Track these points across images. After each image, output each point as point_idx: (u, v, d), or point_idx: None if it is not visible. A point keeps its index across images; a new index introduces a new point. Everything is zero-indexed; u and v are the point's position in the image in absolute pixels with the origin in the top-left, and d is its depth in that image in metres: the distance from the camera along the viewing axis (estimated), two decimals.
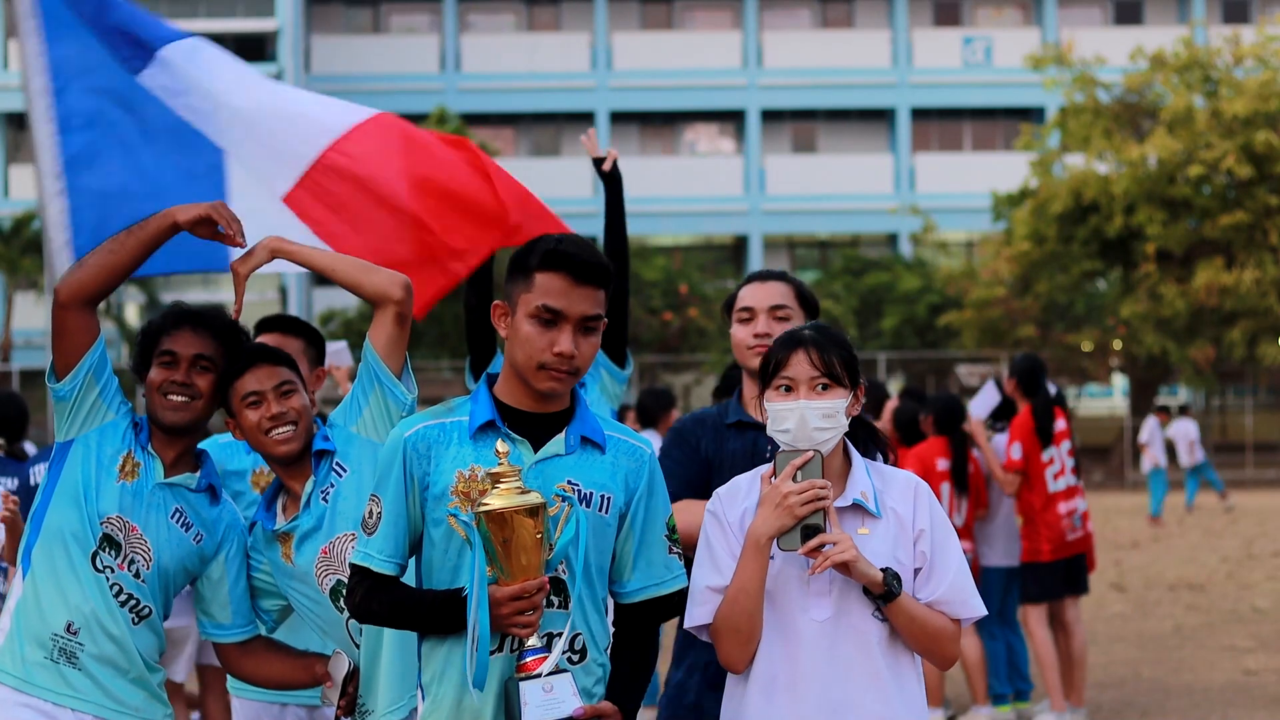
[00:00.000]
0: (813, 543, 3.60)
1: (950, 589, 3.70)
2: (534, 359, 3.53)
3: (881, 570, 3.63)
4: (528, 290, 3.55)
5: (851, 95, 49.80)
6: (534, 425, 3.58)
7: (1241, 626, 13.38)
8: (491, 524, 3.41)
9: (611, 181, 6.61)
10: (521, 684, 3.45)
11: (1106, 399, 47.51)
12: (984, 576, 9.89)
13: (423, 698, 3.61)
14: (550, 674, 3.45)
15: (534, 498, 3.43)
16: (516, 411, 3.59)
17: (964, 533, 9.70)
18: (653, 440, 9.70)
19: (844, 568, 3.60)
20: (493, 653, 3.50)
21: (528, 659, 3.47)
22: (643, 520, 3.65)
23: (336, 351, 9.55)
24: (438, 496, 3.55)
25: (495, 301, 3.65)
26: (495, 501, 3.42)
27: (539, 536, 3.43)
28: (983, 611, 3.73)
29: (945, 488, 9.69)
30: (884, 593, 3.62)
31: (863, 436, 3.92)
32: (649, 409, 11.52)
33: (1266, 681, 10.85)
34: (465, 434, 3.57)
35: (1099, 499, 31.13)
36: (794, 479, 3.62)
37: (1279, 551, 19.91)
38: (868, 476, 3.77)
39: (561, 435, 3.59)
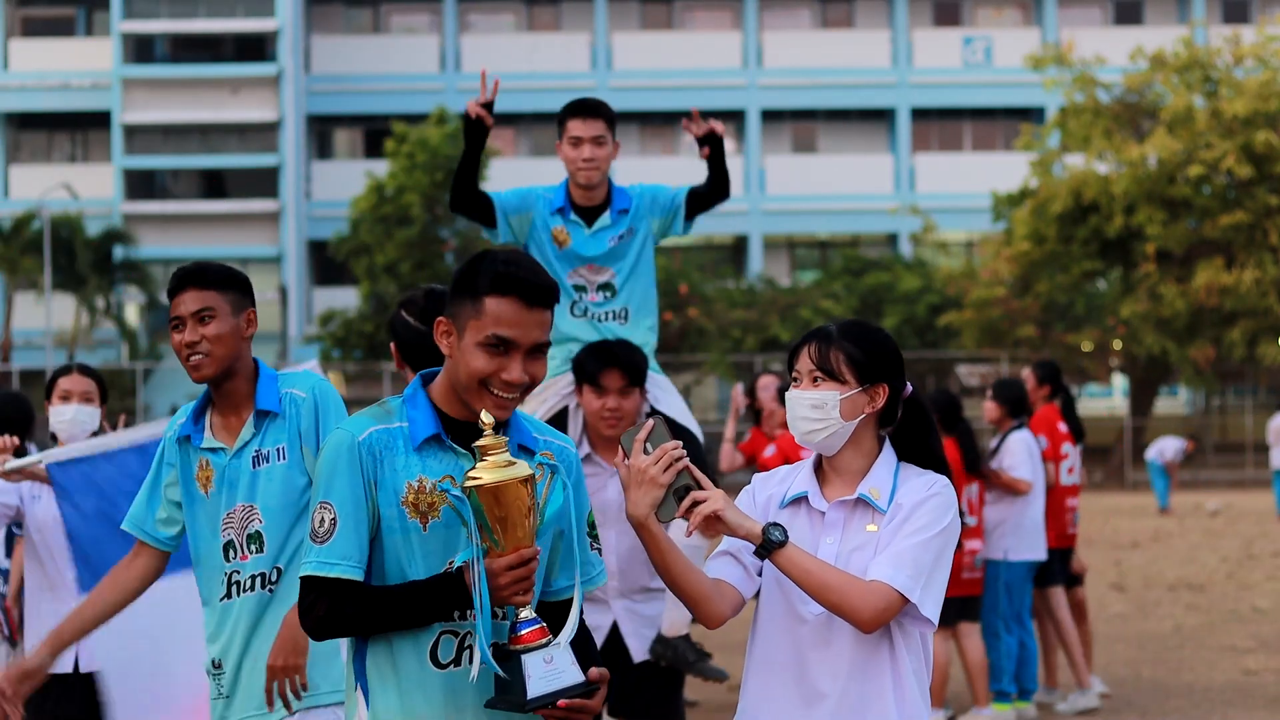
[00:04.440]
0: (685, 503, 3.59)
1: (887, 557, 3.64)
2: (476, 380, 3.49)
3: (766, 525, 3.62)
4: (477, 316, 3.49)
5: (851, 95, 49.81)
6: (475, 436, 3.53)
7: (1241, 626, 13.38)
8: (484, 497, 3.40)
9: (715, 156, 6.67)
10: (523, 657, 3.42)
11: (1106, 399, 47.52)
12: (1008, 572, 9.91)
13: (366, 704, 3.57)
14: (548, 646, 3.43)
15: (522, 468, 3.41)
16: (457, 422, 3.56)
17: (977, 532, 9.69)
18: None
19: (717, 522, 3.61)
20: (445, 666, 3.49)
21: (522, 631, 3.45)
22: (573, 519, 3.64)
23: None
24: (389, 501, 3.51)
25: (439, 319, 3.58)
26: (486, 475, 3.40)
27: (529, 505, 3.41)
28: (893, 582, 3.63)
29: (974, 485, 9.66)
30: (762, 543, 3.60)
31: (923, 459, 3.84)
32: None
33: (1266, 681, 10.86)
34: (410, 445, 3.54)
35: (1099, 499, 31.10)
36: (645, 452, 3.61)
37: (1279, 551, 19.92)
38: (890, 475, 3.76)
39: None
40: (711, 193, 6.69)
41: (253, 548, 4.65)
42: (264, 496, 4.64)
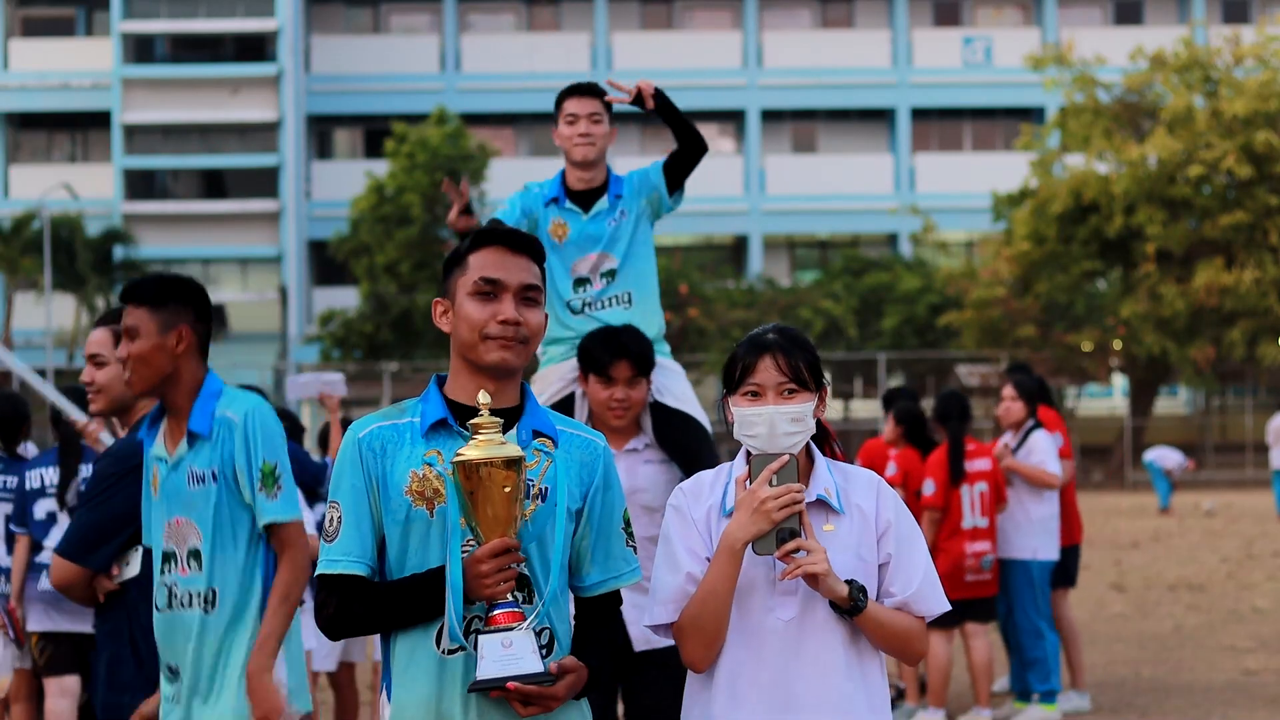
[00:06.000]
0: (789, 546, 3.60)
1: (920, 587, 3.71)
2: (477, 330, 3.53)
3: (847, 583, 3.63)
4: (464, 273, 3.57)
5: (851, 95, 49.81)
6: None
7: (1241, 626, 13.38)
8: (466, 474, 3.37)
9: (663, 110, 6.69)
10: (480, 637, 3.40)
11: (1106, 399, 47.52)
12: (1037, 570, 9.84)
13: (388, 699, 3.57)
14: (511, 630, 3.40)
15: (511, 449, 3.39)
16: (468, 409, 3.56)
17: (987, 533, 9.59)
18: None
19: (812, 579, 3.61)
20: (453, 651, 3.47)
21: (495, 613, 3.42)
22: (600, 513, 3.63)
23: (331, 381, 9.49)
24: (393, 496, 3.52)
25: (435, 300, 3.63)
26: (471, 451, 3.38)
27: (507, 490, 3.37)
28: (946, 608, 3.75)
29: (983, 486, 9.60)
30: (850, 607, 3.63)
31: (817, 436, 3.90)
32: None
33: (1266, 681, 10.85)
34: (418, 434, 3.55)
35: (1099, 499, 31.12)
36: (770, 483, 3.62)
37: (1279, 551, 19.92)
38: (830, 474, 3.77)
39: (513, 431, 3.56)
40: (684, 149, 6.71)
41: (193, 564, 4.60)
42: (200, 515, 4.59)
